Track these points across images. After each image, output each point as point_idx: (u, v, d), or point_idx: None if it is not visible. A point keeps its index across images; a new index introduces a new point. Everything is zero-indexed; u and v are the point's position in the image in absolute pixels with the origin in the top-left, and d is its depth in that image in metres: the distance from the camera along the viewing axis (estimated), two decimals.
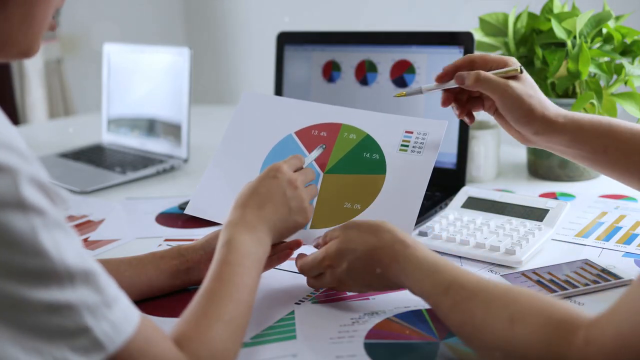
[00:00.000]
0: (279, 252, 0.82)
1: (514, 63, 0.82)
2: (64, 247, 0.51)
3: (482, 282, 0.64)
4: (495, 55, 0.84)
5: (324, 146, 0.89)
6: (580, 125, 0.81)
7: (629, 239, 0.95)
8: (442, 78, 0.84)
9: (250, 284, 0.68)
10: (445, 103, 0.86)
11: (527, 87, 0.81)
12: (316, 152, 0.88)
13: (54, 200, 0.52)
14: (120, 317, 0.54)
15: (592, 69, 1.13)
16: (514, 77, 0.81)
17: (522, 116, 0.81)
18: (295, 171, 0.81)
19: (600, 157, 0.82)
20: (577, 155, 0.84)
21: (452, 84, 0.83)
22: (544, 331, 0.57)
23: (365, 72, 1.23)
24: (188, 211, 0.93)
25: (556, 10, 1.22)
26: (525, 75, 0.82)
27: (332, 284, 0.77)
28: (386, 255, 0.72)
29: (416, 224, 0.96)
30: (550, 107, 0.82)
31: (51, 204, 0.51)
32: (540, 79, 1.22)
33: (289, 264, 0.88)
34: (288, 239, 0.82)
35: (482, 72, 0.81)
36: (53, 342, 0.50)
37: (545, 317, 0.57)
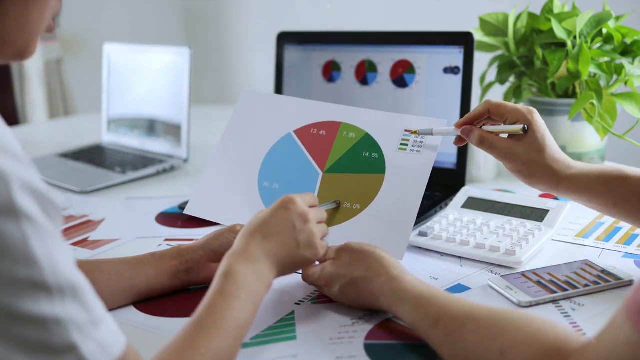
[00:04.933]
0: None
1: (524, 117, 0.80)
2: (56, 257, 0.49)
3: (470, 312, 0.64)
4: (513, 106, 0.81)
5: (338, 202, 0.87)
6: (588, 184, 0.81)
7: (629, 240, 0.95)
8: (461, 125, 0.85)
9: (242, 319, 0.65)
10: (458, 143, 0.86)
11: (531, 148, 0.80)
12: (328, 206, 0.86)
13: (47, 208, 0.50)
14: (107, 338, 0.52)
15: (592, 69, 1.13)
16: (521, 135, 0.80)
17: (523, 178, 0.82)
18: (310, 207, 0.78)
19: (611, 210, 0.83)
20: (587, 205, 0.84)
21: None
22: (535, 359, 0.57)
23: (365, 72, 1.23)
24: (187, 211, 0.93)
25: (556, 10, 1.22)
26: (534, 133, 0.80)
27: (330, 297, 0.79)
28: (374, 286, 0.73)
29: (416, 224, 0.96)
30: (558, 163, 0.80)
31: (44, 212, 0.50)
32: (541, 79, 1.23)
33: None
34: None
35: (486, 135, 0.82)
36: (39, 358, 0.48)
37: (536, 347, 0.58)
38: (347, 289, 0.75)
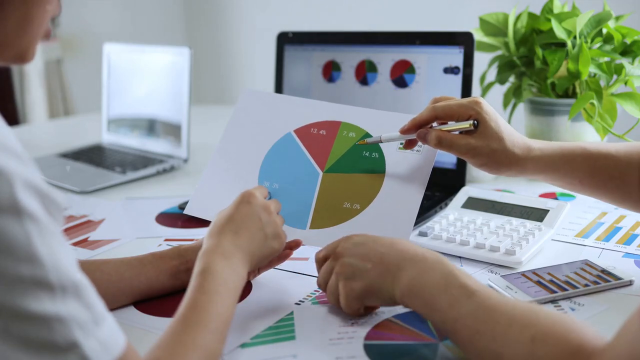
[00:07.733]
0: None
1: (473, 111, 0.78)
2: (59, 256, 0.50)
3: (505, 297, 0.64)
4: (458, 104, 0.79)
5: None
6: (552, 164, 0.80)
7: (629, 240, 0.95)
8: (407, 132, 0.82)
9: (225, 313, 0.67)
10: (408, 146, 0.85)
11: (489, 139, 0.78)
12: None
13: (49, 207, 0.50)
14: (108, 336, 0.53)
15: (592, 69, 1.13)
16: (473, 130, 0.78)
17: (490, 170, 0.81)
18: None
19: (577, 188, 0.83)
20: (554, 184, 0.84)
21: (413, 136, 0.82)
22: (561, 355, 0.57)
23: (365, 72, 1.23)
24: (187, 211, 0.93)
25: (556, 10, 1.22)
26: (487, 122, 0.78)
27: (335, 283, 0.75)
28: (395, 259, 0.70)
29: (416, 224, 0.96)
30: (519, 146, 0.79)
31: (46, 210, 0.50)
32: (540, 79, 1.23)
33: (289, 264, 0.88)
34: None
35: (443, 134, 0.79)
36: (41, 357, 0.49)
37: (565, 341, 0.57)
38: (360, 249, 0.72)
